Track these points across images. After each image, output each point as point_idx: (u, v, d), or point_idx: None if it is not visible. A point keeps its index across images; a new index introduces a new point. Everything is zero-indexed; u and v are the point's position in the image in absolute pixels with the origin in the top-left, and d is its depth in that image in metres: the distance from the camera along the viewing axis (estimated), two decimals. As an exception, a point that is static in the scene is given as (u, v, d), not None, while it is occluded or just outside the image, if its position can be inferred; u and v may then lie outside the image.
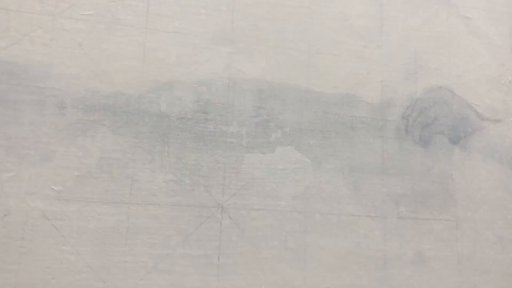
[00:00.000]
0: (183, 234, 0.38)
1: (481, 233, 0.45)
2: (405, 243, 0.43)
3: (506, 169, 0.48)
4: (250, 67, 0.43)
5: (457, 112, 0.48)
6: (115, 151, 0.38)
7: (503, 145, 0.48)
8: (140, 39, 0.41)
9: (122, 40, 0.40)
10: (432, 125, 0.46)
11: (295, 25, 0.44)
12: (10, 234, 0.35)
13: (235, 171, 0.40)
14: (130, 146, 0.38)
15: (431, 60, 0.48)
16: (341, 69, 0.44)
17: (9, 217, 0.35)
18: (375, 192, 0.43)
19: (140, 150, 0.39)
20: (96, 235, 0.36)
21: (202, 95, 0.41)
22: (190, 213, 0.39)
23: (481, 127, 0.48)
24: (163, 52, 0.41)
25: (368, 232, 0.42)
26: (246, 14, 0.44)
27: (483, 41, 0.50)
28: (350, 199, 0.42)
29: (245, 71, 0.42)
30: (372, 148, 0.44)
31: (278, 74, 0.43)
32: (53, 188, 0.36)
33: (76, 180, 0.37)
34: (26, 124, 0.37)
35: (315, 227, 0.41)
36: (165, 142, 0.39)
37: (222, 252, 0.39)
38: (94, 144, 0.38)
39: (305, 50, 0.44)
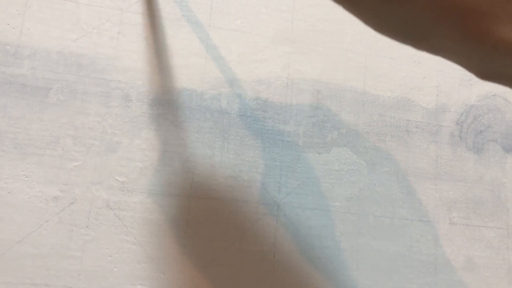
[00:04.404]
0: (240, 230, 0.39)
1: (528, 243, 0.45)
2: (456, 249, 0.43)
3: (555, 179, 0.47)
4: (308, 68, 0.43)
5: (510, 120, 0.47)
6: (177, 145, 0.39)
7: (553, 155, 0.48)
8: (203, 36, 0.41)
9: (186, 36, 0.41)
10: (485, 132, 0.46)
11: (352, 27, 0.44)
12: (75, 222, 0.36)
13: (291, 170, 0.41)
14: (191, 140, 0.39)
15: (486, 67, 0.47)
16: (397, 73, 0.44)
17: (74, 205, 0.36)
18: (428, 197, 0.43)
19: (201, 145, 0.39)
20: (157, 226, 0.37)
21: (261, 94, 0.41)
22: (247, 209, 0.39)
23: (532, 136, 0.48)
24: (224, 49, 0.41)
25: (420, 237, 0.42)
26: (306, 14, 0.44)
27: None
28: (404, 202, 0.42)
29: (303, 71, 0.43)
30: (426, 153, 0.44)
31: (335, 75, 0.43)
32: (117, 179, 0.37)
33: (139, 172, 0.37)
34: (93, 115, 0.37)
35: (368, 229, 0.41)
36: (225, 138, 0.40)
37: (277, 249, 0.39)
38: (157, 137, 0.38)
39: (362, 52, 0.44)
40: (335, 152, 0.43)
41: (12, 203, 0.35)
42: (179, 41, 0.41)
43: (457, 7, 0.14)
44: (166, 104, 0.39)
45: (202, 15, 0.41)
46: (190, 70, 0.41)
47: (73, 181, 0.36)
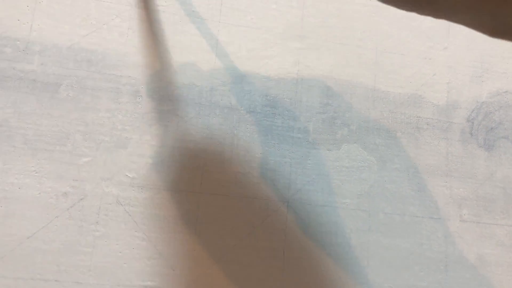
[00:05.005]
0: (250, 226, 0.39)
1: (539, 241, 0.45)
2: (467, 247, 0.43)
3: None
4: (318, 64, 0.43)
5: (521, 117, 0.47)
6: (187, 141, 0.38)
7: None
8: (213, 32, 0.41)
9: (196, 32, 0.40)
10: (496, 129, 0.46)
11: (363, 23, 0.44)
12: (85, 217, 0.36)
13: (301, 167, 0.40)
14: (201, 137, 0.39)
15: (497, 63, 0.47)
16: (408, 69, 0.44)
17: (84, 201, 0.36)
18: (438, 194, 0.43)
19: (211, 141, 0.39)
20: (167, 222, 0.37)
21: (270, 90, 0.41)
22: (256, 205, 0.39)
23: (542, 133, 0.47)
24: (234, 45, 0.41)
25: (431, 234, 0.42)
26: (316, 10, 0.44)
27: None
28: (414, 199, 0.42)
29: (313, 67, 0.42)
30: (437, 150, 0.44)
31: (345, 71, 0.43)
32: (127, 175, 0.37)
33: (149, 168, 0.37)
34: (103, 111, 0.37)
35: (379, 226, 0.41)
36: (234, 134, 0.40)
37: (287, 246, 0.39)
38: (167, 133, 0.38)
39: (373, 49, 0.44)
40: (345, 148, 0.42)
41: (23, 198, 0.35)
42: (189, 37, 0.41)
43: None
44: (176, 100, 0.39)
45: (212, 11, 0.41)
46: (200, 66, 0.41)
47: (83, 177, 0.36)
